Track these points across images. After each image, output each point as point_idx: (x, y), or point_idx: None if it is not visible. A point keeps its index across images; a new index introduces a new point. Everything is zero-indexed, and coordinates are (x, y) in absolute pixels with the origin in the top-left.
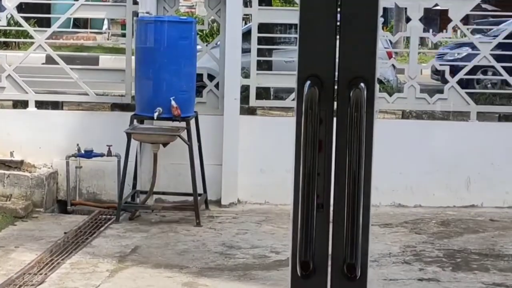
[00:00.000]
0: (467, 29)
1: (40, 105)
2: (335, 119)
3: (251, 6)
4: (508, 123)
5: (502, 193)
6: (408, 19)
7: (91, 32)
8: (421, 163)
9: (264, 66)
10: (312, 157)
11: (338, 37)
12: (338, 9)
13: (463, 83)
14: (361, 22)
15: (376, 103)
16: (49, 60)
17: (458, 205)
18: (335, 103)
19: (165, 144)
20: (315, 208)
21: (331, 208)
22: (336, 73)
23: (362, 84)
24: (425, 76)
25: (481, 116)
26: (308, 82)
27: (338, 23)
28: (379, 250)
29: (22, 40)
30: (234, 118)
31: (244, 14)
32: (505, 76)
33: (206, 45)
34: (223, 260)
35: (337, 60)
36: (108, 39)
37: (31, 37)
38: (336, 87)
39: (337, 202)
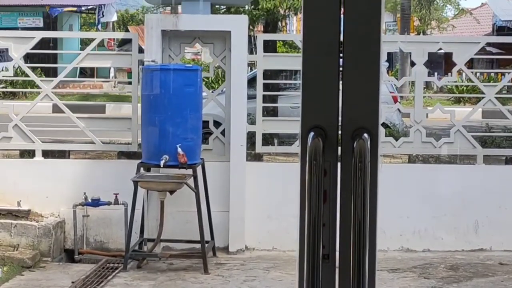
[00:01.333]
0: (472, 72)
1: (47, 154)
2: (339, 169)
3: (256, 53)
4: None
5: (511, 236)
6: (412, 63)
7: (97, 81)
8: (428, 207)
9: (270, 112)
10: (317, 208)
11: (341, 86)
12: (341, 55)
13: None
14: (363, 73)
15: (380, 152)
16: (56, 109)
17: (466, 249)
18: (339, 153)
19: (172, 192)
20: (321, 259)
21: (337, 258)
22: (340, 124)
23: (365, 135)
24: (430, 120)
25: (488, 159)
26: (312, 133)
27: (341, 71)
28: None
29: (29, 90)
30: (240, 165)
31: (249, 61)
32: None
33: (212, 92)
34: None
35: (340, 110)
36: (114, 87)
37: (38, 87)
38: (339, 137)
39: (343, 252)
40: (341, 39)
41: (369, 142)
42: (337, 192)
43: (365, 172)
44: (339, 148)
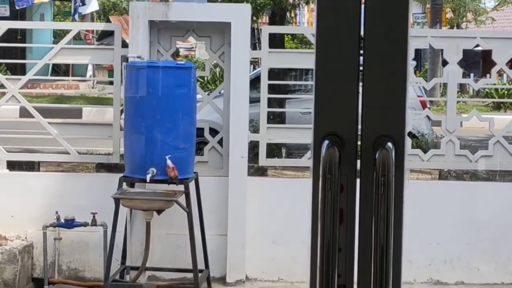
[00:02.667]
0: None
1: (12, 166)
2: (358, 184)
3: (260, 49)
4: None
5: None
6: (445, 62)
7: (73, 80)
8: (462, 232)
9: (276, 118)
10: (332, 230)
11: (361, 87)
12: (361, 52)
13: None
14: (387, 72)
15: (406, 164)
16: (24, 112)
17: (506, 281)
18: (358, 165)
19: (159, 211)
20: None
21: None
22: (359, 131)
23: (389, 144)
24: (465, 129)
25: None
26: (326, 142)
27: (361, 71)
28: None
29: None
30: (241, 180)
31: (252, 58)
32: None
33: (208, 94)
34: None
35: (360, 116)
36: (93, 88)
37: (3, 86)
38: (359, 147)
39: (361, 283)
40: (362, 33)
41: (393, 153)
42: (356, 212)
43: (388, 188)
44: (358, 159)
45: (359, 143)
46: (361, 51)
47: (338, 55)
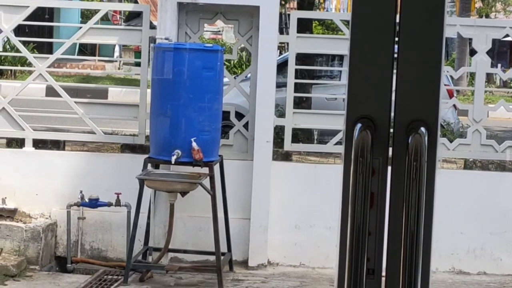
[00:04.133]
0: None
1: (38, 144)
2: (389, 168)
3: (288, 33)
4: None
5: None
6: (473, 52)
7: (99, 60)
8: (486, 222)
9: (302, 103)
10: (362, 214)
11: (395, 71)
12: (396, 39)
13: None
14: (422, 54)
15: (439, 150)
16: (50, 92)
17: None
18: (390, 150)
19: (183, 193)
20: (365, 274)
21: (383, 274)
22: (392, 115)
23: (422, 129)
24: (492, 120)
25: None
26: (359, 125)
27: (395, 55)
28: None
29: (19, 68)
30: (265, 164)
31: (280, 43)
32: None
33: (235, 78)
34: None
35: (393, 99)
36: (119, 69)
37: (30, 65)
38: (392, 131)
39: (390, 267)
40: (397, 18)
41: (426, 138)
42: (386, 196)
43: (420, 173)
44: (391, 143)
45: (391, 127)
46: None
47: (373, 39)
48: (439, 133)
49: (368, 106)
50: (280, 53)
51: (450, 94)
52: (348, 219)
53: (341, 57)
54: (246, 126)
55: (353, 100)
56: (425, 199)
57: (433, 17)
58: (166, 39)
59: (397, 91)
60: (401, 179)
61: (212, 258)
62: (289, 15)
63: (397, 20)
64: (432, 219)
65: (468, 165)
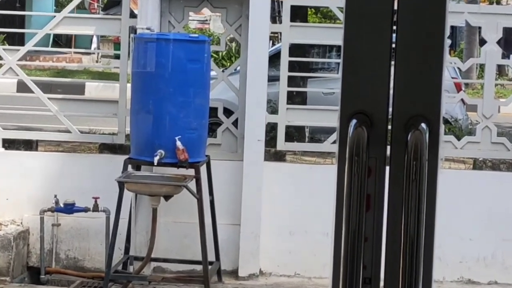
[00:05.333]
0: None
1: (9, 144)
2: (387, 168)
3: (280, 22)
4: None
5: None
6: (482, 42)
7: (75, 53)
8: (497, 227)
9: (297, 99)
10: (358, 218)
11: (393, 63)
12: (394, 27)
13: None
14: (423, 43)
15: (441, 148)
16: (22, 87)
17: None
18: (388, 148)
19: (167, 197)
20: (361, 284)
21: (381, 284)
22: (390, 110)
23: (423, 125)
24: (503, 115)
25: None
26: (354, 121)
27: (394, 45)
28: None
29: None
30: (256, 165)
31: (272, 33)
32: None
33: (223, 71)
34: None
35: (391, 92)
36: (97, 62)
37: (0, 58)
38: (389, 127)
39: (388, 276)
40: (395, 4)
41: (427, 135)
42: (384, 198)
43: (421, 174)
44: (389, 141)
45: (389, 123)
46: (394, 25)
47: (369, 28)
48: (441, 129)
49: (363, 101)
50: (273, 44)
51: (458, 87)
52: (342, 223)
53: (338, 48)
54: (235, 123)
55: (348, 94)
56: (426, 201)
57: (434, 3)
58: (148, 29)
59: (395, 84)
60: (400, 180)
61: (198, 267)
62: (281, 2)
63: (395, 7)
64: (434, 223)
65: (478, 165)
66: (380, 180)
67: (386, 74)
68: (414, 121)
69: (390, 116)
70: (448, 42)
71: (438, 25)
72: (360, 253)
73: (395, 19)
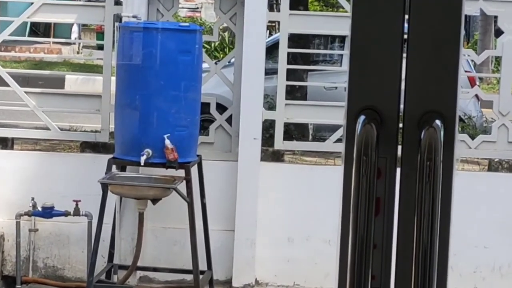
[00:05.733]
0: None
1: None
2: (398, 169)
3: (279, 10)
4: None
5: None
6: (498, 32)
7: (54, 43)
8: None
9: (296, 93)
10: (367, 223)
11: (405, 55)
12: (406, 17)
13: None
14: (437, 35)
15: (457, 146)
16: None
17: None
18: (399, 147)
19: (155, 201)
20: None
21: None
22: (402, 106)
23: (437, 122)
24: None
25: None
26: (362, 117)
27: (406, 37)
28: None
29: None
30: (252, 166)
31: (270, 21)
32: None
33: (216, 63)
34: None
35: (402, 87)
36: (78, 53)
37: None
38: (401, 124)
39: (399, 286)
40: None
41: (442, 133)
42: (395, 202)
43: (435, 175)
44: (400, 139)
45: (401, 120)
46: (406, 14)
47: (378, 17)
48: (457, 127)
49: (373, 96)
50: (270, 34)
51: (472, 82)
52: (349, 229)
53: (342, 39)
54: (229, 120)
55: (356, 89)
56: (440, 205)
57: None
58: (134, 17)
59: (407, 77)
60: (412, 182)
61: (189, 277)
62: None
63: None
64: (449, 230)
65: (493, 166)
66: (391, 182)
67: (397, 66)
68: (427, 118)
69: (401, 113)
70: (463, 32)
71: (454, 13)
72: (369, 262)
73: (407, 6)
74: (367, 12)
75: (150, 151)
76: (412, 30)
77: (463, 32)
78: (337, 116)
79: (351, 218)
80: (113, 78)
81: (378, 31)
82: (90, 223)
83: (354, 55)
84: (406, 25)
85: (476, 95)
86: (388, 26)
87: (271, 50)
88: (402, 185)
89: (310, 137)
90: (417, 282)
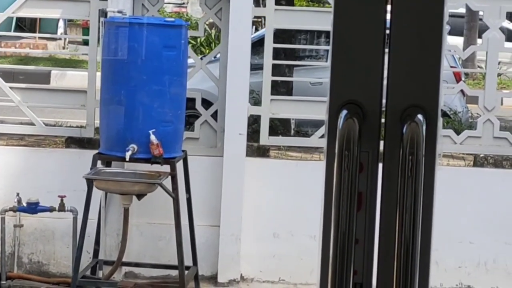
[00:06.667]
0: None
1: None
2: (381, 164)
3: (264, 6)
4: None
5: None
6: (484, 28)
7: (40, 38)
8: (499, 229)
9: (282, 89)
10: (348, 218)
11: (387, 50)
12: (388, 10)
13: None
14: (419, 30)
15: (439, 141)
16: None
17: None
18: (382, 141)
19: (140, 196)
20: None
21: None
22: (384, 100)
23: (419, 116)
24: (507, 108)
25: None
26: (344, 112)
27: (388, 31)
28: None
29: None
30: (238, 161)
31: (255, 17)
32: None
33: (201, 59)
34: None
35: (385, 81)
36: (64, 48)
37: None
38: (383, 119)
39: (381, 281)
40: None
41: (424, 127)
42: (377, 196)
43: (417, 170)
44: (382, 134)
45: (383, 115)
46: (388, 6)
47: (360, 11)
48: (439, 121)
49: (354, 90)
50: (256, 30)
51: (457, 77)
52: (331, 224)
53: (327, 34)
54: (214, 115)
55: (337, 83)
56: (422, 200)
57: None
58: (120, 12)
59: (389, 72)
60: (394, 176)
61: (174, 272)
62: None
63: None
64: (431, 224)
65: (479, 161)
66: (373, 176)
67: (380, 60)
68: (410, 112)
69: (383, 107)
70: (447, 28)
71: (436, 7)
72: (351, 257)
73: (389, 0)
74: (349, 7)
75: (135, 146)
76: (394, 24)
77: (446, 27)
78: (322, 111)
79: (333, 213)
80: (99, 74)
81: (360, 26)
82: (75, 219)
83: (336, 50)
84: (388, 19)
85: (462, 91)
86: (370, 20)
87: (257, 45)
88: (384, 180)
89: (292, 132)
90: (399, 277)
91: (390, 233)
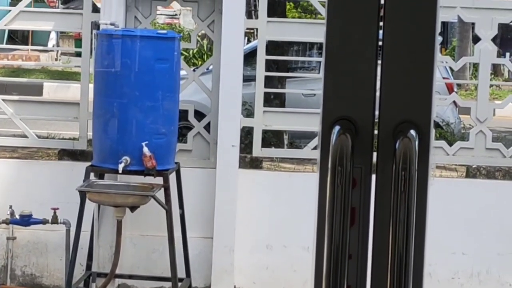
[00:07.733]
0: None
1: None
2: (373, 179)
3: (257, 18)
4: None
5: None
6: (476, 39)
7: (32, 50)
8: (493, 240)
9: (274, 101)
10: (342, 233)
11: (379, 63)
12: (381, 24)
13: None
14: (412, 42)
15: (432, 156)
16: None
17: None
18: (374, 156)
19: (133, 208)
20: None
21: None
22: (377, 115)
23: (412, 132)
24: (499, 119)
25: None
26: (337, 128)
27: (380, 43)
28: None
29: None
30: (231, 173)
31: (248, 29)
32: None
33: (194, 71)
34: None
35: (377, 96)
36: (56, 60)
37: None
38: (376, 134)
39: None
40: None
41: (417, 142)
42: (370, 212)
43: (410, 184)
44: (375, 149)
45: (376, 130)
46: (381, 22)
47: (353, 24)
48: (432, 136)
49: (347, 105)
50: (248, 41)
51: (450, 88)
52: (324, 239)
53: (320, 46)
54: (207, 127)
55: (330, 98)
56: (415, 215)
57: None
58: (112, 24)
59: (382, 87)
60: (387, 192)
61: (167, 284)
62: None
63: (382, 1)
64: (424, 239)
65: (471, 172)
66: (366, 192)
67: (372, 75)
68: (402, 128)
69: (376, 122)
70: (439, 39)
71: (428, 20)
72: (344, 272)
73: (381, 14)
74: (341, 20)
75: (128, 158)
76: (386, 38)
77: (438, 40)
78: (314, 123)
79: (326, 228)
80: (91, 86)
81: (352, 39)
82: (68, 231)
83: (328, 64)
84: (380, 32)
85: (454, 102)
86: (363, 34)
87: (249, 57)
88: (377, 195)
89: (285, 144)
90: None
91: (383, 248)
